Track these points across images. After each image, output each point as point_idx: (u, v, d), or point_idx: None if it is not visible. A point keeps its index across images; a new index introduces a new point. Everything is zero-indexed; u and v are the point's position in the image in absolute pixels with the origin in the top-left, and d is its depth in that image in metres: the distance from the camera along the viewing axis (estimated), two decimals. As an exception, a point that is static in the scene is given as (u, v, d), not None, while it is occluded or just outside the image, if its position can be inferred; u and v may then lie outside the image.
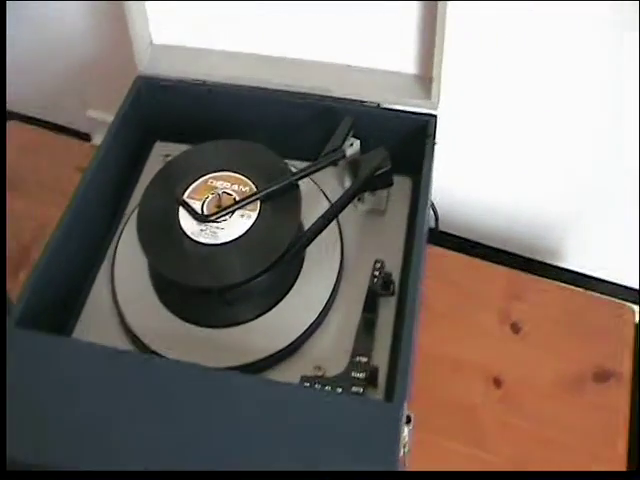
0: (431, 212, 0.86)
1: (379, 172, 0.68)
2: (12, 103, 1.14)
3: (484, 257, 0.88)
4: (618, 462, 0.74)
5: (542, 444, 0.75)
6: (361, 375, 0.62)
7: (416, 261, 0.63)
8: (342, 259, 0.69)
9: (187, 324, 0.65)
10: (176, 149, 0.74)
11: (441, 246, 0.90)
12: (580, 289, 0.87)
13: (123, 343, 0.65)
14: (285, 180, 0.66)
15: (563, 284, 0.88)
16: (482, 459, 0.73)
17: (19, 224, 0.91)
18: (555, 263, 0.96)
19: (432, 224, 0.88)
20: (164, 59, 0.76)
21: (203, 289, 0.63)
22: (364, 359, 0.63)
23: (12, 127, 1.05)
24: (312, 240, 0.65)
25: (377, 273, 0.68)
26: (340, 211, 0.67)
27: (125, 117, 0.73)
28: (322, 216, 0.66)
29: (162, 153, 0.77)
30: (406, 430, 0.55)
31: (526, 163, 0.87)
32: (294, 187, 0.66)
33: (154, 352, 0.63)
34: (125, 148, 0.75)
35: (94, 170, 0.69)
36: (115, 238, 0.71)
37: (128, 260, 0.68)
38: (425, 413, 0.74)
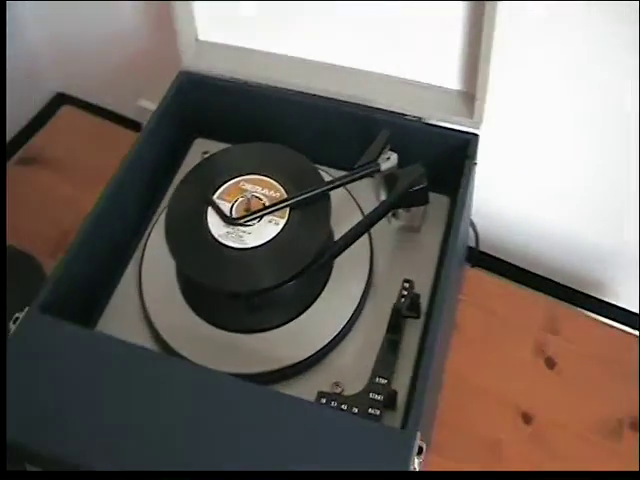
0: (471, 231, 0.84)
1: (414, 189, 0.65)
2: (68, 87, 1.15)
3: (526, 282, 0.85)
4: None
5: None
6: (379, 397, 0.60)
7: (444, 284, 0.60)
8: (370, 274, 0.67)
9: (210, 326, 0.64)
10: (215, 147, 0.73)
11: (480, 267, 0.87)
12: (623, 327, 0.83)
13: (145, 340, 0.64)
14: (316, 189, 0.64)
15: (605, 319, 0.83)
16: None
17: (62, 208, 0.92)
18: (601, 297, 0.91)
19: (472, 243, 0.85)
20: (208, 56, 0.75)
21: (227, 293, 0.62)
22: (384, 381, 0.61)
23: (65, 112, 1.07)
24: (342, 251, 0.64)
25: (405, 293, 0.66)
26: (372, 224, 0.65)
27: (165, 110, 0.72)
28: (354, 228, 0.64)
29: (201, 150, 0.76)
30: (416, 462, 0.52)
31: (579, 189, 0.83)
32: (325, 197, 0.64)
33: (174, 351, 0.62)
34: (164, 140, 0.74)
35: (131, 159, 0.69)
36: (147, 233, 0.71)
37: (157, 257, 0.67)
38: (447, 439, 0.73)
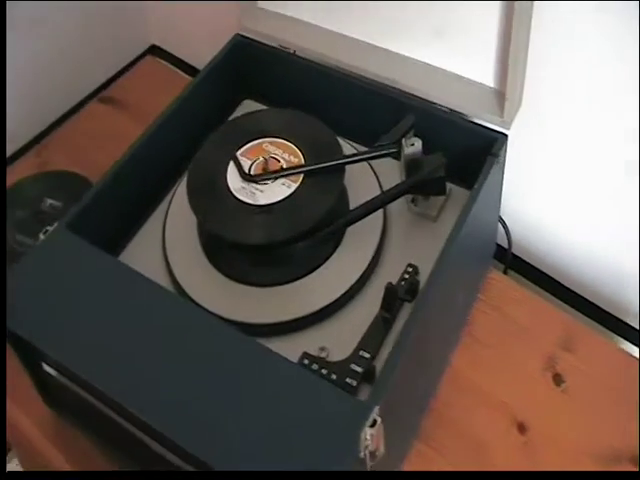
0: (502, 232, 0.83)
1: (432, 177, 0.66)
2: (162, 40, 1.20)
3: (549, 290, 0.83)
4: None
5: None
6: (359, 369, 0.61)
7: (439, 268, 0.61)
8: (379, 252, 0.68)
9: (222, 277, 0.67)
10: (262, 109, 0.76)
11: (512, 269, 0.86)
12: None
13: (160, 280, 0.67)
14: (332, 161, 0.65)
15: (624, 340, 0.80)
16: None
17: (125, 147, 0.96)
18: (624, 319, 0.87)
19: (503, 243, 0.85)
20: (264, 22, 0.78)
21: (231, 243, 0.65)
22: (367, 355, 0.62)
23: (146, 62, 1.13)
24: (354, 222, 0.66)
25: (406, 276, 0.66)
26: (387, 202, 0.67)
27: (216, 66, 0.76)
28: (368, 202, 0.66)
29: (248, 110, 0.78)
30: (368, 432, 0.53)
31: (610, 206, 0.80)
32: (340, 169, 0.66)
33: (184, 292, 0.66)
34: (212, 96, 0.77)
35: (176, 107, 0.72)
36: (179, 180, 0.74)
37: (183, 206, 0.70)
38: (435, 431, 0.73)
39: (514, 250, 0.87)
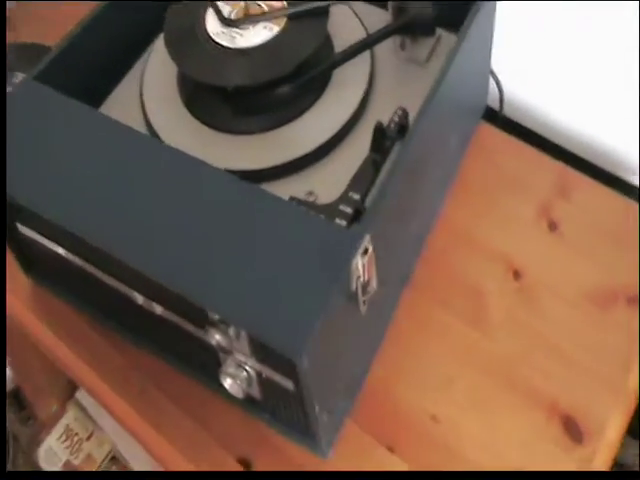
0: (496, 90, 0.81)
1: (420, 15, 0.64)
2: None
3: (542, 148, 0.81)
4: (623, 392, 0.67)
5: (547, 350, 0.69)
6: (349, 210, 0.60)
7: (429, 107, 0.60)
8: (367, 97, 0.67)
9: (202, 125, 0.65)
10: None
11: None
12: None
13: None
14: (316, 3, 0.63)
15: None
16: (477, 342, 0.70)
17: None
18: (623, 176, 0.86)
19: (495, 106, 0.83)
20: None
21: (209, 86, 0.63)
22: (357, 196, 0.62)
23: None
24: (340, 64, 0.65)
25: (396, 119, 0.65)
26: (374, 44, 0.66)
27: None
28: (355, 44, 0.64)
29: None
30: (360, 261, 0.53)
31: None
32: (324, 11, 0.64)
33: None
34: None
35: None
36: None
37: (162, 61, 0.69)
38: (431, 280, 0.73)
39: (506, 110, 0.85)
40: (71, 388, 1.04)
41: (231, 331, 0.54)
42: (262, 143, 0.64)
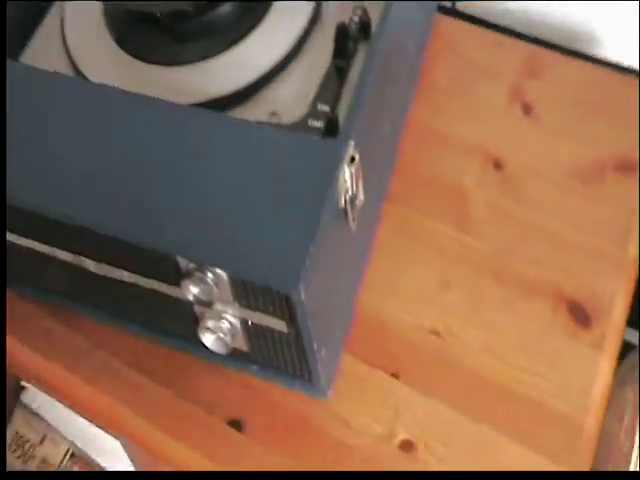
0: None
1: None
2: None
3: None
4: (625, 264, 0.65)
5: (540, 236, 0.67)
6: (319, 124, 0.56)
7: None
8: (319, 5, 0.61)
9: (136, 61, 0.59)
10: None
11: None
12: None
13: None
14: None
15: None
16: (465, 242, 0.67)
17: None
18: (590, 51, 0.82)
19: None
20: None
21: (149, 15, 0.57)
22: (326, 108, 0.57)
23: None
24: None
25: (356, 19, 0.60)
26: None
27: None
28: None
29: None
30: (347, 171, 0.49)
31: None
32: None
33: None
34: None
35: None
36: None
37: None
38: (408, 189, 0.69)
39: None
40: (14, 393, 0.95)
41: (209, 278, 0.48)
42: (211, 71, 0.58)
